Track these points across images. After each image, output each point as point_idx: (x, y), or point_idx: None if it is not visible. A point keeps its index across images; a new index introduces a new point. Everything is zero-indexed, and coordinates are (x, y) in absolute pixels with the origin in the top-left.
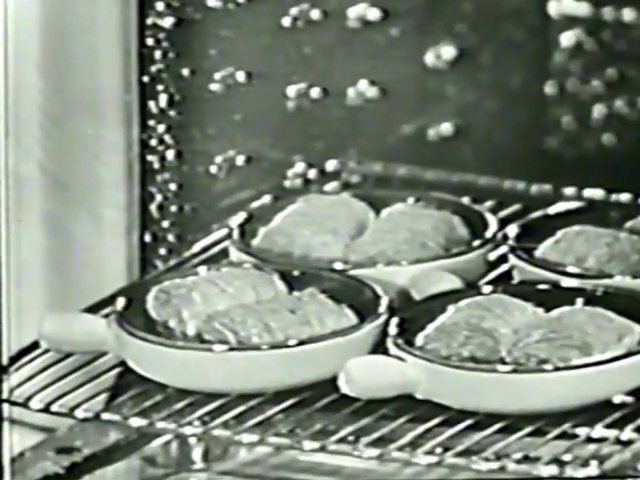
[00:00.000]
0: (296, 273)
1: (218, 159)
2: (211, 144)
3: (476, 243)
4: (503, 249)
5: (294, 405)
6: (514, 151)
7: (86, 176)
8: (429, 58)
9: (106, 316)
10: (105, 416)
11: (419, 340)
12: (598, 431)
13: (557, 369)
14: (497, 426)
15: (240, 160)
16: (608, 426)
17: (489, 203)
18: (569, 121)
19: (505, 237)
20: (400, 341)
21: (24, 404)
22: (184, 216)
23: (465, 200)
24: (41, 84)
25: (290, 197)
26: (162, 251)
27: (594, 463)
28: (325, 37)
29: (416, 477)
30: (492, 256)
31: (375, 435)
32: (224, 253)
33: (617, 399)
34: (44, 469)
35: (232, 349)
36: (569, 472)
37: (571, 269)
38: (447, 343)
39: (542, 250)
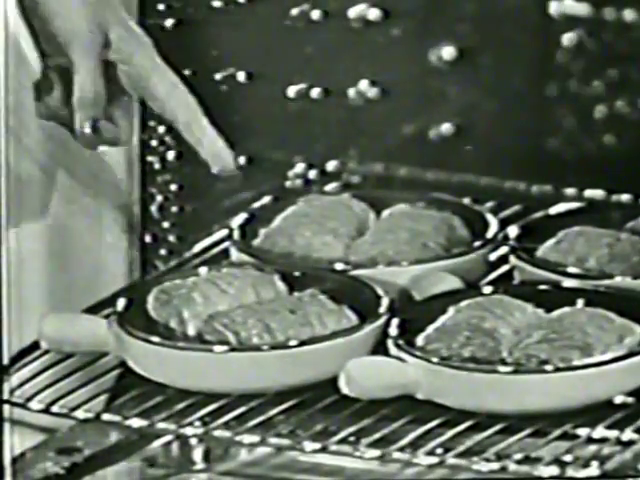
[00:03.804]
0: (297, 274)
1: None
2: None
3: (477, 244)
4: (504, 250)
5: (295, 406)
6: (515, 152)
7: (87, 176)
8: (430, 58)
9: (106, 316)
10: (105, 417)
11: (420, 341)
12: (599, 432)
13: (558, 370)
14: (498, 427)
15: (241, 160)
16: (609, 427)
17: (490, 204)
18: (570, 122)
19: (506, 238)
20: (401, 342)
21: (24, 405)
22: (185, 216)
23: (466, 201)
24: None
25: (291, 198)
26: (163, 251)
27: (595, 464)
28: (326, 37)
29: (417, 478)
30: (493, 257)
31: (376, 436)
32: (225, 253)
33: (618, 400)
34: (45, 470)
35: (233, 350)
36: (570, 473)
37: (572, 270)
38: (448, 344)
39: (543, 251)
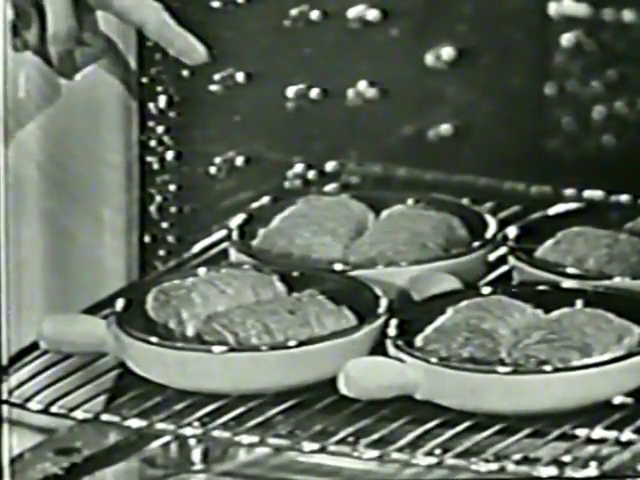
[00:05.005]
0: (295, 274)
1: (218, 160)
2: (211, 145)
3: (476, 244)
4: (503, 250)
5: (294, 406)
6: (514, 152)
7: (86, 177)
8: (429, 59)
9: (105, 317)
10: (104, 417)
11: (419, 341)
12: (598, 432)
13: (557, 370)
14: (497, 427)
15: (240, 161)
16: (608, 427)
17: (489, 204)
18: (569, 122)
19: (505, 238)
20: (400, 342)
21: (23, 405)
22: (184, 217)
23: (465, 201)
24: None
25: (290, 198)
26: (161, 252)
27: (594, 464)
28: (325, 38)
29: (416, 478)
30: (492, 257)
31: (375, 436)
32: (224, 254)
33: (617, 400)
34: (43, 470)
35: (231, 350)
36: (569, 473)
37: (571, 270)
38: (447, 344)
39: (542, 251)
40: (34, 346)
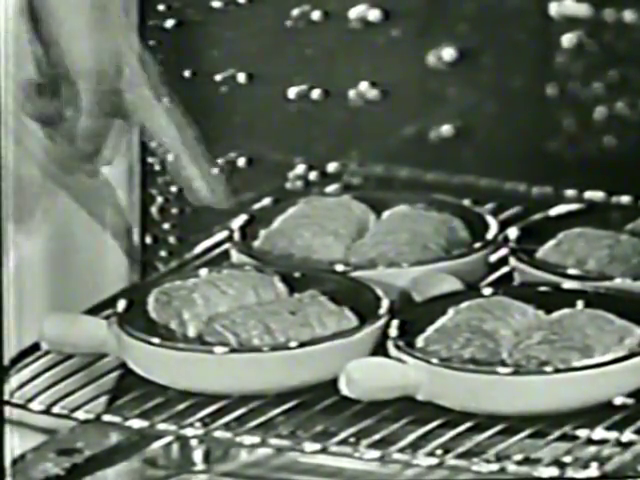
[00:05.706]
0: (297, 275)
1: (219, 161)
2: (212, 146)
3: (477, 245)
4: (504, 251)
5: (295, 407)
6: (515, 153)
7: (86, 177)
8: (430, 59)
9: (107, 318)
10: (106, 418)
11: (420, 342)
12: (599, 433)
13: (558, 371)
14: (498, 428)
15: (241, 162)
16: (609, 428)
17: (490, 205)
18: (570, 123)
19: (506, 239)
20: (401, 343)
21: (25, 406)
22: (185, 218)
23: (466, 202)
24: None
25: (291, 199)
26: (163, 253)
27: (594, 465)
28: (326, 38)
29: (417, 479)
30: (493, 258)
31: (376, 437)
32: (225, 255)
33: (618, 401)
34: (45, 471)
35: (233, 351)
36: (569, 474)
37: (572, 271)
38: (448, 345)
39: (543, 252)
40: (35, 347)
